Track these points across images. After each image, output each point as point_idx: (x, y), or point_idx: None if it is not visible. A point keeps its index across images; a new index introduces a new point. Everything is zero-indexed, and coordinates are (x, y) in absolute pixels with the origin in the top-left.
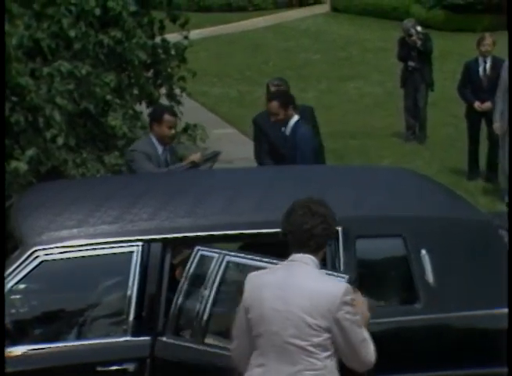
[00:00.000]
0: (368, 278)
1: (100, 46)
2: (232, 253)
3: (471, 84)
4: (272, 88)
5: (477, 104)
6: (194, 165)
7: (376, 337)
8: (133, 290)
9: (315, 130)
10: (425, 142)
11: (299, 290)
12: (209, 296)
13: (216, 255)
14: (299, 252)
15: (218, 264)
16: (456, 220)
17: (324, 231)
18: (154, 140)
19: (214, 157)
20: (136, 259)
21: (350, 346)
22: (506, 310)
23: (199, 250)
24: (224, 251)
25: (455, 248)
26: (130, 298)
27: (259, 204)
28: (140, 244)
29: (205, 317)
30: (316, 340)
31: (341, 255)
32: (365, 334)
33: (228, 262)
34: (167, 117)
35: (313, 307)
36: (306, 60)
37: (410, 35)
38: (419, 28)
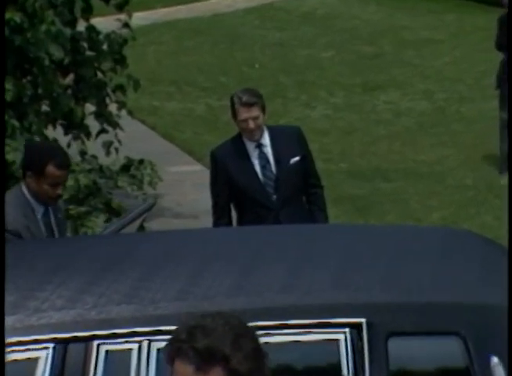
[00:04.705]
0: None
1: None
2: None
3: None
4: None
5: None
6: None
7: None
8: None
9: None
10: None
11: None
12: None
13: (135, 345)
14: None
15: (144, 357)
16: None
17: None
18: (29, 197)
19: (147, 210)
20: (44, 369)
21: None
22: None
23: (100, 345)
24: (145, 336)
25: None
26: None
27: (236, 283)
28: (51, 345)
29: None
30: None
31: (366, 362)
32: None
33: (159, 350)
34: (51, 169)
35: None
36: (311, 60)
37: None
38: None
